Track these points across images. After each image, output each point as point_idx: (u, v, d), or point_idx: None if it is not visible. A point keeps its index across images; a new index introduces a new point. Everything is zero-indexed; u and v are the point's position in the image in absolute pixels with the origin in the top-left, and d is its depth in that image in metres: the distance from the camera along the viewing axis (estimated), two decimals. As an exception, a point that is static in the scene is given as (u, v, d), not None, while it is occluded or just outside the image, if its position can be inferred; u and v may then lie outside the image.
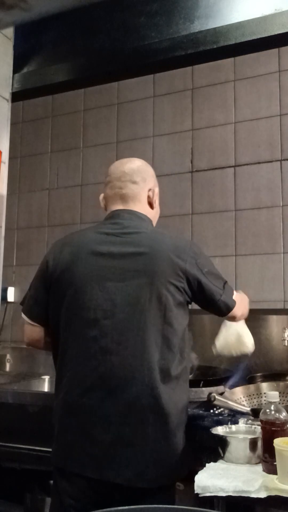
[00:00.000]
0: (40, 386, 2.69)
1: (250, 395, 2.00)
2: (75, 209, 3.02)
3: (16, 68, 2.90)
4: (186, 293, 1.60)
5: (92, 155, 3.03)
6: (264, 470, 1.38)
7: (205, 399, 1.82)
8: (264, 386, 2.01)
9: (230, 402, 1.83)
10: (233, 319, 1.79)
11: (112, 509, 0.82)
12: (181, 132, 2.81)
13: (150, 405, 1.49)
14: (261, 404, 1.93)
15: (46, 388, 2.68)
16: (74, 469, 1.51)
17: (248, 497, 1.26)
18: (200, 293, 1.63)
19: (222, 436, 1.52)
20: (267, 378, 2.13)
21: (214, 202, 2.67)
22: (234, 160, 2.66)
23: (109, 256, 1.59)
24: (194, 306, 1.70)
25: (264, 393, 1.96)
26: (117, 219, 1.68)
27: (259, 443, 1.44)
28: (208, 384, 2.05)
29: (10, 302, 3.04)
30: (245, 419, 1.67)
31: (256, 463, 1.44)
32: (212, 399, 1.76)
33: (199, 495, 1.30)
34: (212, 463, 1.45)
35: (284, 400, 1.91)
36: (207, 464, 1.44)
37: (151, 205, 1.75)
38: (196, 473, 1.37)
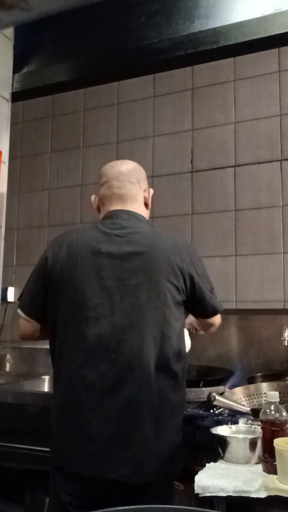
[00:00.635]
0: (40, 386, 2.69)
1: (250, 395, 2.00)
2: (75, 209, 3.02)
3: (16, 68, 2.90)
4: (183, 292, 1.62)
5: (92, 155, 3.03)
6: (264, 470, 1.38)
7: (205, 399, 1.82)
8: (264, 386, 2.01)
9: (230, 402, 1.83)
10: (211, 326, 1.82)
11: (112, 509, 0.82)
12: (181, 132, 2.80)
13: (148, 403, 1.50)
14: (261, 404, 1.93)
15: (46, 388, 2.68)
16: (72, 467, 1.52)
17: (248, 497, 1.26)
18: (192, 292, 1.65)
19: (222, 436, 1.52)
20: (267, 378, 2.14)
21: (214, 202, 2.67)
22: (234, 160, 2.65)
23: (108, 255, 1.60)
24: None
25: (264, 393, 1.96)
26: (116, 219, 1.69)
27: (259, 443, 1.44)
28: (208, 384, 2.05)
29: (10, 302, 3.04)
30: (245, 419, 1.68)
31: (256, 463, 1.45)
32: (212, 399, 1.77)
33: (199, 495, 1.30)
34: (212, 463, 1.45)
35: (284, 400, 1.91)
36: (207, 464, 1.44)
37: (146, 205, 1.79)
38: (196, 473, 1.37)
